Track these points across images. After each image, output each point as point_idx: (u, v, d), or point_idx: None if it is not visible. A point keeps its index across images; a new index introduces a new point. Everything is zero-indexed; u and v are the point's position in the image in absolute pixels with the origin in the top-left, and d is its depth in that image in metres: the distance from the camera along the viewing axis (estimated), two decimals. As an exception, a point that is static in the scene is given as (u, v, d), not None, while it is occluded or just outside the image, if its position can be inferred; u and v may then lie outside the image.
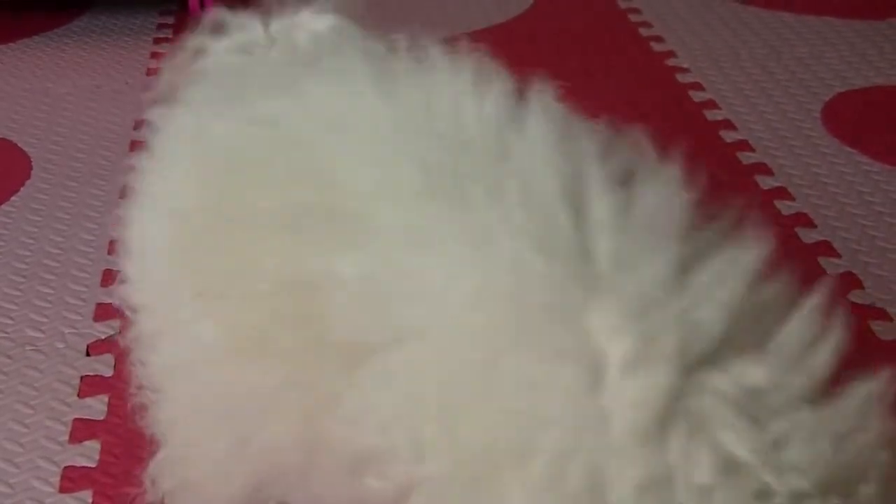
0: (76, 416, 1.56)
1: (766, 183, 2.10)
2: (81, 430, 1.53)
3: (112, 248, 1.91)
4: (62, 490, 1.44)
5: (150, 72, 2.53)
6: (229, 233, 0.95)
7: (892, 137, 2.26)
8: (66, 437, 1.52)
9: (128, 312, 1.14)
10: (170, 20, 2.82)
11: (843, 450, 0.69)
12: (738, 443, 0.68)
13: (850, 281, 1.81)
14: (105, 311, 1.76)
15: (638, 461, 0.69)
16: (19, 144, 2.24)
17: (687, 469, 0.68)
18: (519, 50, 2.63)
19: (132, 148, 2.20)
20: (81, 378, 1.63)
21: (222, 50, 1.17)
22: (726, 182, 2.11)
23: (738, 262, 0.78)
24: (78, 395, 1.59)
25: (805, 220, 1.98)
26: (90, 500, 1.42)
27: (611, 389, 0.71)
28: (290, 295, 0.88)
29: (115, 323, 1.73)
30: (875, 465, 0.70)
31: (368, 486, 0.83)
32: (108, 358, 1.66)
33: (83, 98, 2.42)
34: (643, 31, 2.80)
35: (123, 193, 1.14)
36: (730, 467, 0.68)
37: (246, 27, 1.18)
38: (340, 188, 0.87)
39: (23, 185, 2.12)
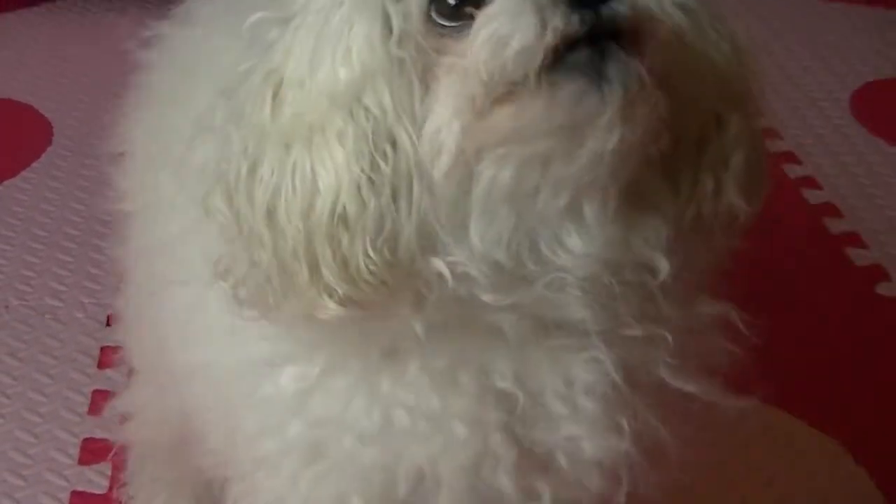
0: (96, 388, 1.55)
1: (793, 171, 2.08)
2: (101, 401, 1.51)
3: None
4: (81, 462, 1.43)
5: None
6: None
7: (921, 128, 2.24)
8: (86, 409, 1.51)
9: None
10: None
11: None
12: None
13: (877, 272, 1.79)
14: (126, 282, 1.75)
15: None
16: (40, 110, 2.22)
17: None
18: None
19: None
20: (101, 349, 1.62)
21: None
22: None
23: None
24: (98, 366, 1.58)
25: (832, 210, 1.96)
26: (109, 473, 1.41)
27: None
28: None
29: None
30: None
31: None
32: (129, 329, 1.65)
33: (105, 63, 2.39)
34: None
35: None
36: None
37: None
38: None
39: (44, 151, 2.10)
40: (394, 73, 0.72)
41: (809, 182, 2.04)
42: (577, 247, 0.73)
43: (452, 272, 0.73)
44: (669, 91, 0.72)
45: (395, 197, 0.72)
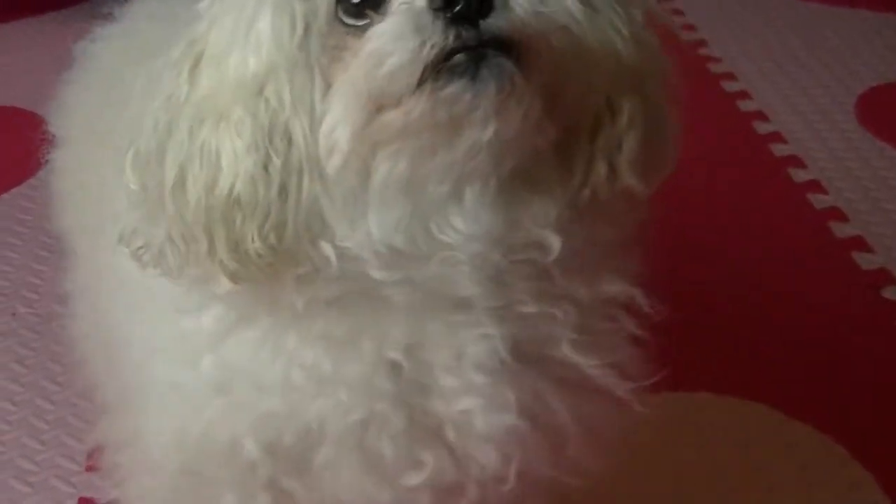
0: (103, 394, 1.55)
1: (799, 176, 2.08)
2: (109, 408, 1.52)
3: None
4: (88, 469, 1.43)
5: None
6: None
7: (927, 132, 2.23)
8: (94, 416, 1.51)
9: None
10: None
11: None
12: None
13: (883, 276, 1.79)
14: (132, 289, 1.75)
15: None
16: (47, 118, 2.22)
17: None
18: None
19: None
20: (108, 355, 1.62)
21: None
22: (759, 174, 2.09)
23: None
24: (105, 373, 1.58)
25: (838, 215, 1.95)
26: (116, 480, 1.41)
27: None
28: None
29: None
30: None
31: None
32: (135, 336, 1.65)
33: (111, 72, 2.40)
34: (675, 21, 2.77)
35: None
36: None
37: None
38: None
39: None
40: (296, 69, 0.76)
41: (815, 186, 2.04)
42: (461, 227, 0.78)
43: (341, 255, 0.78)
44: (558, 87, 0.76)
45: (284, 189, 0.77)
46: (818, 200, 2.00)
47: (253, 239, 0.77)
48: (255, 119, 0.76)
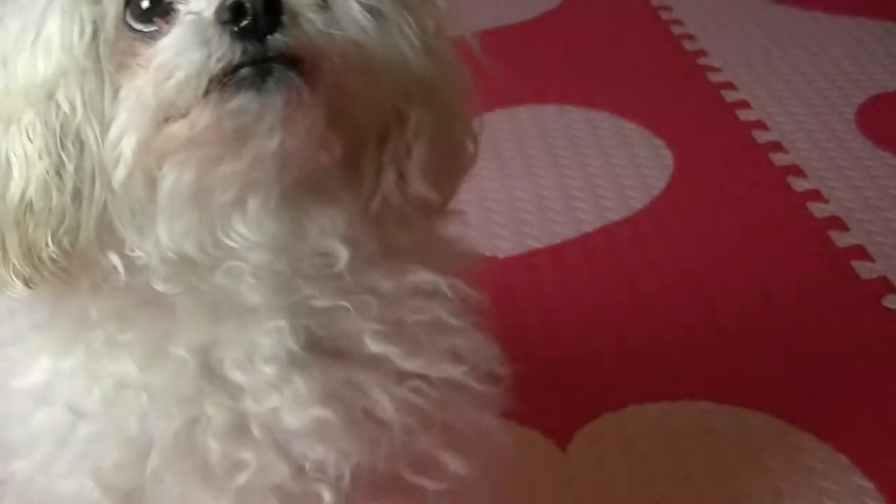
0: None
1: (798, 185, 2.07)
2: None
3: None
4: None
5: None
6: None
7: (927, 141, 2.23)
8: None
9: None
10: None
11: None
12: None
13: (884, 286, 1.78)
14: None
15: None
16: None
17: None
18: (547, 47, 2.60)
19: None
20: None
21: None
22: (759, 183, 2.09)
23: None
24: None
25: (838, 224, 1.95)
26: None
27: None
28: None
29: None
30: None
31: None
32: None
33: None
34: (675, 30, 2.78)
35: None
36: None
37: None
38: None
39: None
40: (86, 74, 0.76)
41: (815, 196, 2.03)
42: (245, 234, 0.78)
43: (129, 265, 0.79)
44: (345, 103, 0.77)
45: (78, 194, 0.77)
46: (818, 209, 1.99)
47: (47, 243, 0.77)
48: (46, 123, 0.76)
